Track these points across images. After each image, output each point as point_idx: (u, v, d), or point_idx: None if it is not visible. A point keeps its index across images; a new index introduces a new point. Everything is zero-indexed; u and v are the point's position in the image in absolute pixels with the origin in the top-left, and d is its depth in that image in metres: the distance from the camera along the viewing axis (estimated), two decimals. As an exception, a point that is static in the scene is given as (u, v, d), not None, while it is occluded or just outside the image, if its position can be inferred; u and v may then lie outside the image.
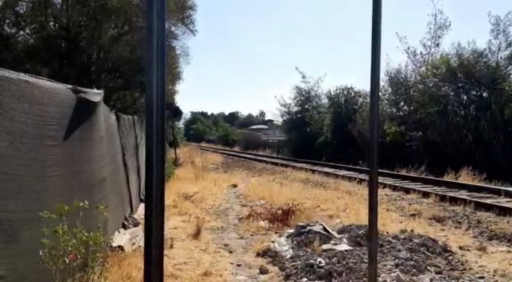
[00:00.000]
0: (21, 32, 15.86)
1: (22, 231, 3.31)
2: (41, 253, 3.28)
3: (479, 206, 9.73)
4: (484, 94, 19.58)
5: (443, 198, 10.88)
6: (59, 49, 14.72)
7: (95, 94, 5.19)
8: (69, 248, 3.46)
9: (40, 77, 3.93)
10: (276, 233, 7.84)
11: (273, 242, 6.96)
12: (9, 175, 3.18)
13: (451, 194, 11.24)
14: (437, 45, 22.67)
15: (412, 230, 7.59)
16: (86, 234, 3.68)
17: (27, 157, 3.44)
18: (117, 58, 16.49)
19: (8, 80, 3.21)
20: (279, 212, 8.89)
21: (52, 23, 15.08)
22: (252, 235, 7.96)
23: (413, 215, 9.56)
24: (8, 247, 3.15)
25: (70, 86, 4.43)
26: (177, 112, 31.77)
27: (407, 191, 12.48)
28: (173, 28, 17.63)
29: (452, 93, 20.88)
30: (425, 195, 11.57)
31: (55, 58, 14.52)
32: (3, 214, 3.09)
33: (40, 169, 3.67)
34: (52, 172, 3.87)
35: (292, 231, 7.51)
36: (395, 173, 16.75)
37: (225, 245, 7.25)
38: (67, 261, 3.39)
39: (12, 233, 3.20)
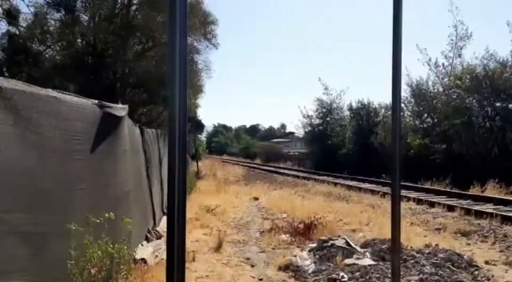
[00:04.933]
0: (49, 50, 16.38)
1: (49, 243, 3.39)
2: (68, 265, 3.36)
3: (506, 219, 9.49)
4: (510, 105, 19.20)
5: (468, 212, 10.64)
6: (86, 65, 15.13)
7: (120, 109, 5.31)
8: (95, 260, 3.53)
9: (67, 93, 4.06)
10: (298, 247, 7.80)
11: (295, 256, 6.91)
12: (37, 188, 3.28)
13: (477, 208, 10.99)
14: (459, 56, 22.48)
15: (436, 244, 7.45)
16: (111, 246, 3.75)
17: (55, 170, 3.55)
18: (141, 73, 16.86)
19: (36, 96, 3.33)
20: (301, 225, 8.83)
21: (79, 40, 15.53)
22: (273, 248, 7.93)
23: (437, 229, 9.38)
24: (35, 258, 3.23)
25: (96, 101, 4.55)
26: (199, 125, 32.11)
27: (432, 204, 12.26)
28: (195, 43, 17.98)
29: (476, 105, 20.54)
30: (450, 208, 11.34)
31: (82, 74, 14.91)
32: (32, 227, 3.18)
33: (67, 182, 3.77)
34: (79, 185, 3.97)
35: (314, 245, 7.46)
36: (419, 186, 16.47)
37: (247, 259, 7.24)
38: (92, 272, 3.46)
39: (39, 245, 3.28)
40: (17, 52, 15.14)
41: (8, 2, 15.13)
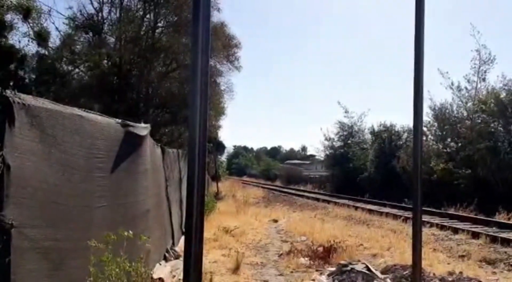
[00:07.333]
0: (76, 70, 16.85)
1: (68, 260, 3.41)
2: (87, 281, 3.37)
3: (535, 248, 9.15)
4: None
5: (494, 239, 10.31)
6: (111, 85, 15.47)
7: (142, 129, 5.40)
8: (113, 277, 3.53)
9: (92, 111, 4.16)
10: (316, 270, 7.67)
11: (313, 280, 6.81)
12: (59, 204, 3.32)
13: (503, 235, 10.64)
14: (483, 80, 22.10)
15: (460, 272, 7.22)
16: (129, 264, 3.75)
17: (77, 187, 3.60)
18: (164, 94, 17.16)
19: (62, 114, 3.41)
20: (320, 249, 8.71)
21: (105, 61, 15.93)
22: (292, 272, 7.81)
23: (461, 256, 9.12)
24: (54, 274, 3.24)
25: (119, 120, 4.65)
26: (220, 147, 32.34)
27: (456, 230, 11.93)
28: (218, 66, 18.24)
29: (502, 130, 20.12)
30: (475, 235, 11.01)
31: (107, 94, 15.24)
32: (51, 243, 3.21)
33: (88, 200, 3.82)
34: (99, 202, 4.01)
35: (333, 269, 7.32)
36: (443, 211, 16.07)
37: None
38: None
39: (59, 261, 3.30)
40: (45, 73, 15.62)
41: (39, 25, 15.68)
